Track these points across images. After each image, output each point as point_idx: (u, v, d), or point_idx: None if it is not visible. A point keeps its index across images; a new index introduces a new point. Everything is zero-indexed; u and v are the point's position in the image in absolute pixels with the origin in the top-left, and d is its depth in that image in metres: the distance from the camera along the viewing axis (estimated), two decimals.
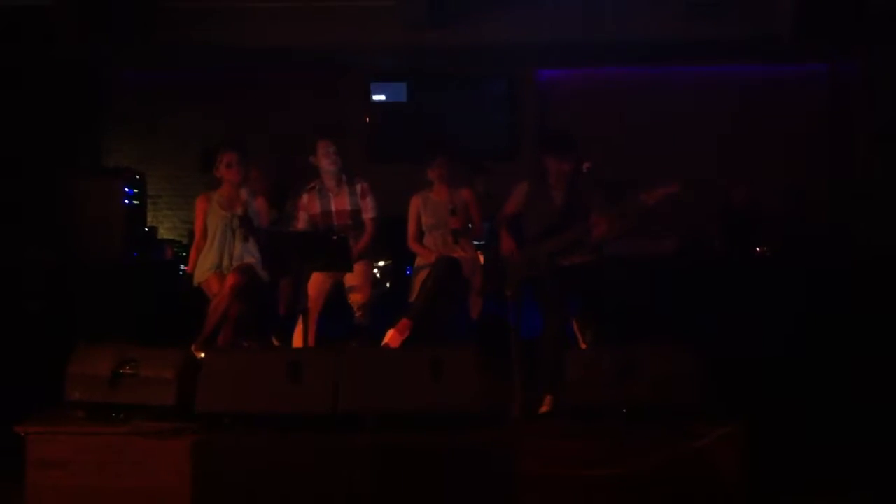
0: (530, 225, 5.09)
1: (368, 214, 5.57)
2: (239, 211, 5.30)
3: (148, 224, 8.65)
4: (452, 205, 5.64)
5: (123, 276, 7.30)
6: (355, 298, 5.33)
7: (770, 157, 8.89)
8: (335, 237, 5.16)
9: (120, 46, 8.33)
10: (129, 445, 4.09)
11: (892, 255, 7.01)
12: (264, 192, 5.77)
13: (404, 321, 5.24)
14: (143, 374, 4.28)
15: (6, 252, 6.85)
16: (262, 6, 8.28)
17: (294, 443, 4.06)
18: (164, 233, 9.13)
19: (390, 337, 5.18)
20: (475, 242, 5.84)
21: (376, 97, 9.35)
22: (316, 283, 5.31)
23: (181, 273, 7.26)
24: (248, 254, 5.32)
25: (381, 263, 5.75)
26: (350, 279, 5.36)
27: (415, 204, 5.78)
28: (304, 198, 5.66)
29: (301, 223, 5.65)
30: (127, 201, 7.96)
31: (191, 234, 6.11)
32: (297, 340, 5.11)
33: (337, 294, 5.44)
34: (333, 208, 5.59)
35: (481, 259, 5.67)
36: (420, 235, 5.77)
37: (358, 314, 5.30)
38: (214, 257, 5.33)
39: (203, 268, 5.35)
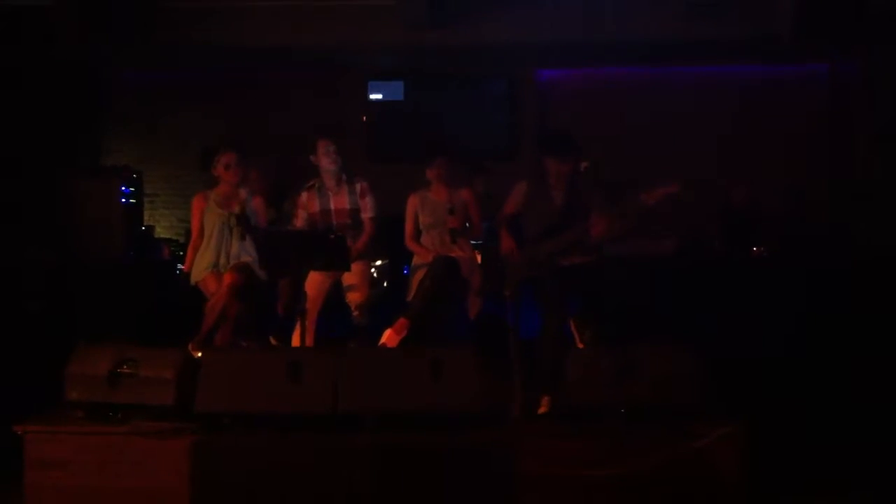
0: (530, 225, 5.08)
1: (367, 214, 5.56)
2: (236, 209, 5.29)
3: (145, 223, 8.66)
4: (451, 204, 5.63)
5: (123, 276, 7.29)
6: (353, 298, 5.31)
7: (770, 157, 8.87)
8: (333, 236, 5.16)
9: (120, 46, 8.31)
10: (128, 445, 4.10)
11: (892, 255, 7.00)
12: (263, 191, 5.76)
13: (402, 321, 5.22)
14: (142, 373, 4.29)
15: (6, 252, 6.83)
16: (262, 6, 8.27)
17: (294, 443, 4.06)
18: (161, 231, 9.12)
19: (387, 337, 5.17)
20: (472, 242, 5.83)
21: (374, 96, 9.32)
22: (314, 283, 5.30)
23: (178, 272, 7.25)
24: (245, 253, 5.31)
25: (378, 263, 5.72)
26: (348, 278, 5.35)
27: (412, 203, 5.78)
28: (304, 196, 5.65)
29: (300, 221, 5.64)
30: (123, 200, 7.96)
31: (188, 234, 6.11)
32: (296, 340, 5.10)
33: (335, 294, 5.44)
34: (333, 207, 5.58)
35: (479, 259, 5.66)
36: (417, 234, 5.77)
37: (356, 314, 5.29)
38: (211, 256, 5.32)
39: (200, 267, 5.34)
